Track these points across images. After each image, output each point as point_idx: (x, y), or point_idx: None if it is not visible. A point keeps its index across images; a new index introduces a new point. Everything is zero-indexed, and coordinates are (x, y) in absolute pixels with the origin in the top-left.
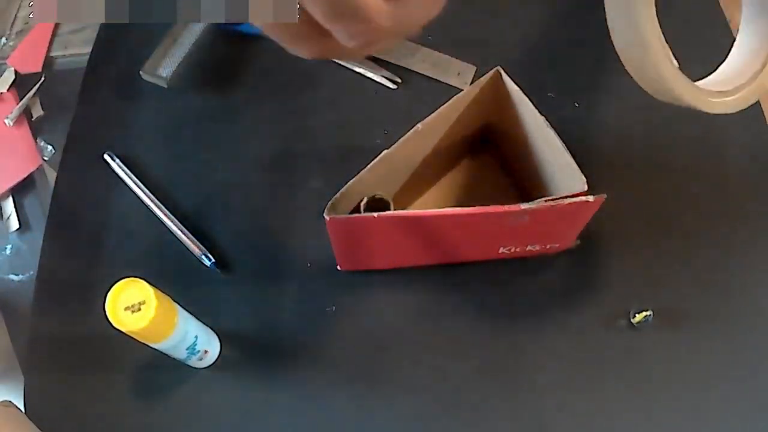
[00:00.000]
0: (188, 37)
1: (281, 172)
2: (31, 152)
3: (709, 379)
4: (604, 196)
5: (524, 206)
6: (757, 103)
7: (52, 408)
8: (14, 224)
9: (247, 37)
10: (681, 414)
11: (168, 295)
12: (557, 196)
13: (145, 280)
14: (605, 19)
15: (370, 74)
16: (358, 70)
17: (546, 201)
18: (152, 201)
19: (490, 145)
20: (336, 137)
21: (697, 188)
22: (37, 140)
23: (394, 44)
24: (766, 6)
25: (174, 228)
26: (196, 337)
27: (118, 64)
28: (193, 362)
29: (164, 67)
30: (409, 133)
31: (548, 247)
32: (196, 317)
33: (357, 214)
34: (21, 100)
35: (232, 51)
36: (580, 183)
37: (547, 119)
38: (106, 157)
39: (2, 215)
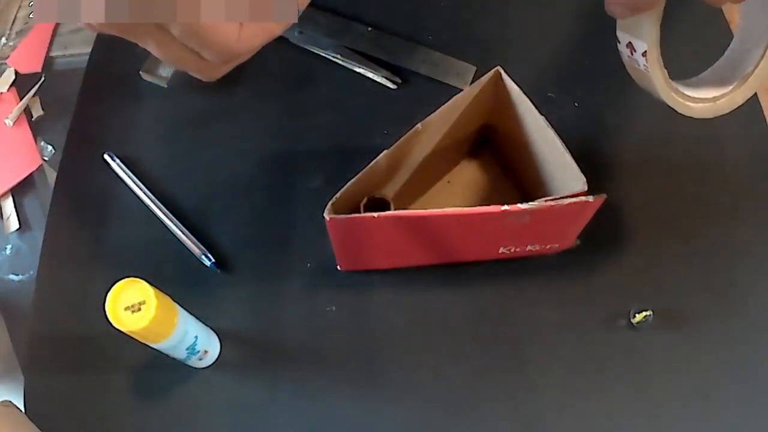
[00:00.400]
0: None
1: (281, 172)
2: (31, 152)
3: (709, 378)
4: (604, 196)
5: (524, 206)
6: (757, 103)
7: (52, 408)
8: (14, 224)
9: None
10: (681, 414)
11: (168, 295)
12: (557, 196)
13: (145, 280)
14: (605, 19)
15: (370, 74)
16: (358, 70)
17: (546, 201)
18: (152, 201)
19: (490, 145)
20: (336, 137)
21: (697, 188)
22: (37, 140)
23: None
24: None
25: (174, 228)
26: (196, 337)
27: (118, 64)
28: (193, 362)
29: (164, 67)
30: (409, 133)
31: (548, 247)
32: (196, 317)
33: (357, 214)
34: (21, 100)
35: None
36: (580, 183)
37: (547, 119)
38: (106, 157)
39: (2, 215)
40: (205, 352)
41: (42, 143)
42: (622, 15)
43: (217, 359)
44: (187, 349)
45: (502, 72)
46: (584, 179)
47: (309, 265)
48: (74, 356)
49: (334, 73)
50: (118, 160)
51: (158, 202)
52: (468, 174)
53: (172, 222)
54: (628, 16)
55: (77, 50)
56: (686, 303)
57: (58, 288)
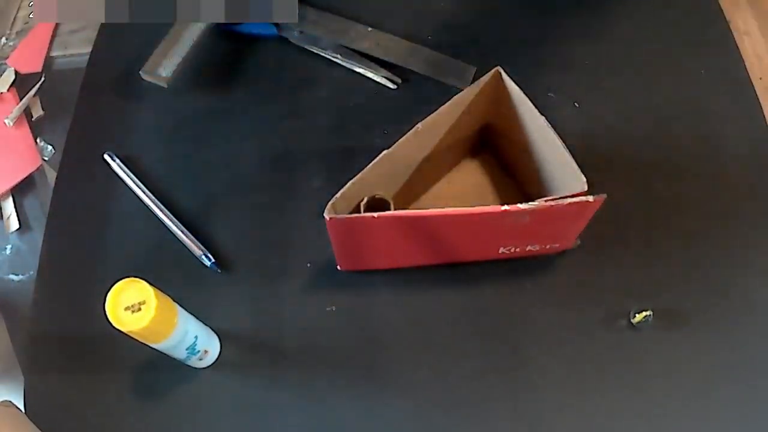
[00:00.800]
0: (188, 37)
1: (281, 172)
2: (31, 152)
3: (709, 378)
4: (604, 196)
5: (524, 206)
6: (757, 103)
7: (52, 408)
8: (14, 224)
9: (247, 37)
10: (681, 413)
11: (168, 295)
12: (557, 196)
13: (145, 280)
14: (605, 20)
15: (370, 74)
16: (358, 70)
17: (546, 201)
18: (152, 201)
19: (490, 145)
20: (336, 137)
21: (696, 188)
22: (37, 140)
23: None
24: None
25: (174, 228)
26: (196, 337)
27: (118, 64)
28: (193, 362)
29: (164, 67)
30: (409, 133)
31: (548, 247)
32: (196, 317)
33: (357, 214)
34: (21, 100)
35: (232, 51)
36: (580, 183)
37: (547, 119)
38: (106, 157)
39: (2, 215)
40: (205, 352)
41: (42, 143)
42: None
43: (217, 359)
44: (187, 349)
45: (502, 72)
46: (584, 179)
47: (309, 265)
48: (74, 356)
49: (334, 73)
50: (118, 160)
51: (158, 202)
52: (468, 174)
53: (172, 222)
54: None
55: (77, 50)
56: (686, 303)
57: (58, 288)
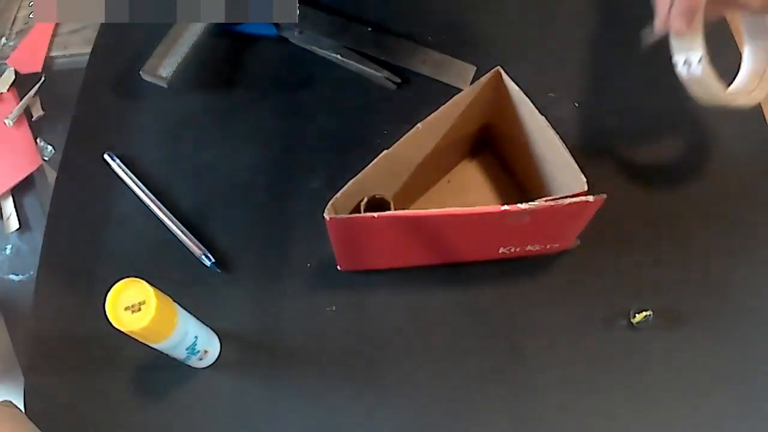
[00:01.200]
0: (188, 37)
1: (281, 172)
2: (31, 152)
3: (709, 378)
4: (604, 196)
5: (524, 206)
6: (758, 103)
7: (52, 408)
8: (14, 224)
9: (247, 37)
10: (681, 413)
11: (168, 295)
12: (557, 196)
13: (145, 280)
14: (606, 20)
15: (370, 74)
16: (358, 70)
17: (546, 201)
18: (152, 201)
19: (490, 145)
20: (336, 137)
21: (696, 188)
22: (37, 140)
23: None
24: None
25: (174, 228)
26: (196, 337)
27: (118, 64)
28: (193, 362)
29: (164, 67)
30: (409, 133)
31: (548, 247)
32: (196, 317)
33: (357, 214)
34: (21, 100)
35: (232, 51)
36: (580, 183)
37: (547, 119)
38: (106, 157)
39: (2, 215)
40: (205, 352)
41: (42, 143)
42: (683, 27)
43: (217, 359)
44: (187, 349)
45: (502, 72)
46: (584, 179)
47: (309, 265)
48: (74, 356)
49: (334, 73)
50: (118, 160)
51: (158, 202)
52: (468, 174)
53: (172, 222)
54: (686, 31)
55: (77, 50)
56: (686, 303)
57: (58, 288)
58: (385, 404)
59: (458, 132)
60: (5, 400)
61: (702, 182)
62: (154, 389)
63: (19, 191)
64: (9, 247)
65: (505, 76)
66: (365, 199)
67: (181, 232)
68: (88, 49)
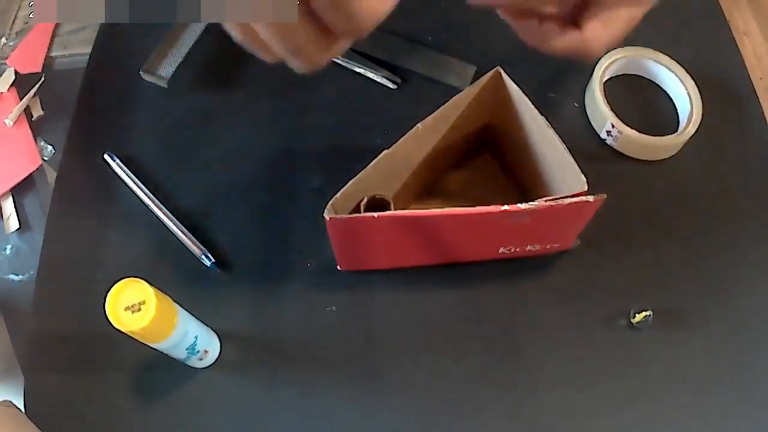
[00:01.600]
0: (188, 37)
1: (281, 172)
2: (31, 152)
3: (709, 378)
4: (604, 196)
5: (524, 206)
6: (758, 103)
7: (52, 408)
8: (14, 224)
9: None
10: (681, 413)
11: (168, 295)
12: (557, 196)
13: (145, 280)
14: None
15: (370, 74)
16: (358, 70)
17: (546, 201)
18: (152, 201)
19: (490, 145)
20: (336, 137)
21: (696, 188)
22: (37, 140)
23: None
24: None
25: (174, 228)
26: (196, 337)
27: (118, 64)
28: (193, 362)
29: (164, 67)
30: (409, 133)
31: (548, 247)
32: (196, 317)
33: (357, 214)
34: (21, 100)
35: (232, 51)
36: (580, 183)
37: (547, 119)
38: (106, 157)
39: (2, 215)
40: (205, 352)
41: (42, 143)
42: None
43: (217, 359)
44: (187, 349)
45: (502, 72)
46: (584, 179)
47: (309, 265)
48: (74, 356)
49: (334, 73)
50: (118, 160)
51: (158, 202)
52: (468, 174)
53: (172, 222)
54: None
55: (77, 50)
56: (686, 303)
57: (58, 288)
58: (385, 404)
59: (458, 132)
60: (5, 400)
61: (702, 182)
62: (154, 389)
63: (19, 191)
64: (9, 247)
65: (505, 76)
66: (365, 199)
67: (181, 232)
68: (88, 49)
